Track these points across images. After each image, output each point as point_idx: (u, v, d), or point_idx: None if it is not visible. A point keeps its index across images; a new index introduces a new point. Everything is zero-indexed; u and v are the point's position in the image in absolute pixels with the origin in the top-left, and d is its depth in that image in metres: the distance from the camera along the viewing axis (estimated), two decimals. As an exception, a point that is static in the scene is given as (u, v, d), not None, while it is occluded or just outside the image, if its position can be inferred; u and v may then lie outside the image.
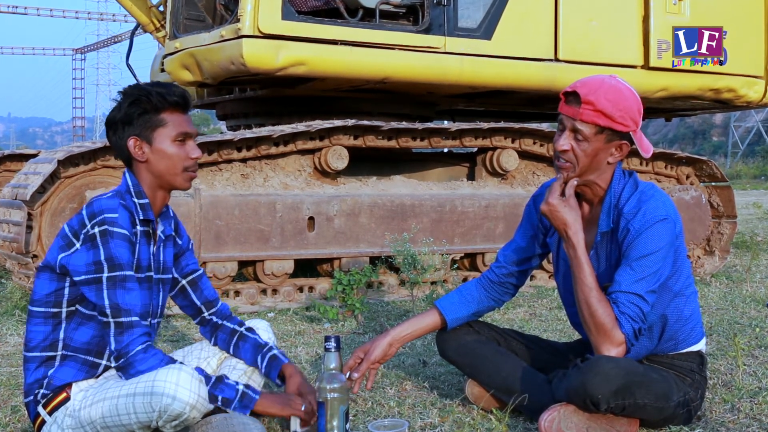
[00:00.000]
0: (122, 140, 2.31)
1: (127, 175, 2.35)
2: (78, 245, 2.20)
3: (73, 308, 2.26)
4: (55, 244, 2.27)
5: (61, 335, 2.26)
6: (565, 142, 2.45)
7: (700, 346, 2.66)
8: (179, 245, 2.52)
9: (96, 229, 2.18)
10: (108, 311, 2.17)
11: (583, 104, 2.40)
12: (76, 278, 2.19)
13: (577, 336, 2.99)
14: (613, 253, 2.51)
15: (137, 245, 2.27)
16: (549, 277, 5.83)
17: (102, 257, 2.17)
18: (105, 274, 2.17)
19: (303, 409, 2.32)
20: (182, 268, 2.54)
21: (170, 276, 2.47)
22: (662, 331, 2.58)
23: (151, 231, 2.35)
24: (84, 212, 2.23)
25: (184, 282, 2.56)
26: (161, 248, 2.41)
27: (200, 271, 2.60)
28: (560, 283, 2.74)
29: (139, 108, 2.29)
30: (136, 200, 2.31)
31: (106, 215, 2.19)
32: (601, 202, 2.54)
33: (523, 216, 2.84)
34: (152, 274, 2.36)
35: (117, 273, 2.18)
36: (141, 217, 2.30)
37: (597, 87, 2.42)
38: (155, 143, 2.31)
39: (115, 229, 2.19)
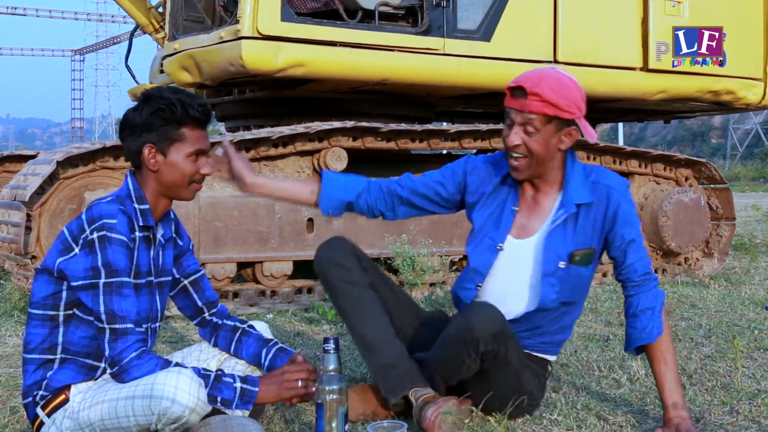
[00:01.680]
0: (137, 145, 2.30)
1: (128, 178, 2.34)
2: (77, 250, 2.20)
3: (70, 312, 2.25)
4: (54, 247, 2.26)
5: (60, 338, 2.25)
6: (516, 137, 2.52)
7: (552, 359, 2.79)
8: (180, 246, 2.52)
9: (95, 235, 2.17)
10: (103, 317, 2.16)
11: (530, 96, 2.47)
12: (73, 283, 2.19)
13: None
14: (591, 221, 2.60)
15: (136, 251, 2.26)
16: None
17: (99, 263, 2.16)
18: (102, 280, 2.16)
19: (300, 384, 2.32)
20: (184, 268, 2.54)
21: (169, 278, 2.47)
22: (557, 313, 2.64)
23: (151, 236, 2.35)
24: (83, 217, 2.22)
25: (185, 282, 2.55)
26: (161, 252, 2.40)
27: (201, 272, 2.60)
28: (472, 260, 2.73)
29: (161, 118, 2.28)
30: (136, 206, 2.29)
31: (104, 221, 2.19)
32: (557, 185, 2.63)
33: (449, 170, 2.79)
34: (152, 278, 2.35)
35: (114, 279, 2.17)
36: (141, 223, 2.29)
37: (540, 79, 2.49)
38: (170, 156, 2.30)
39: (114, 235, 2.18)
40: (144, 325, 2.28)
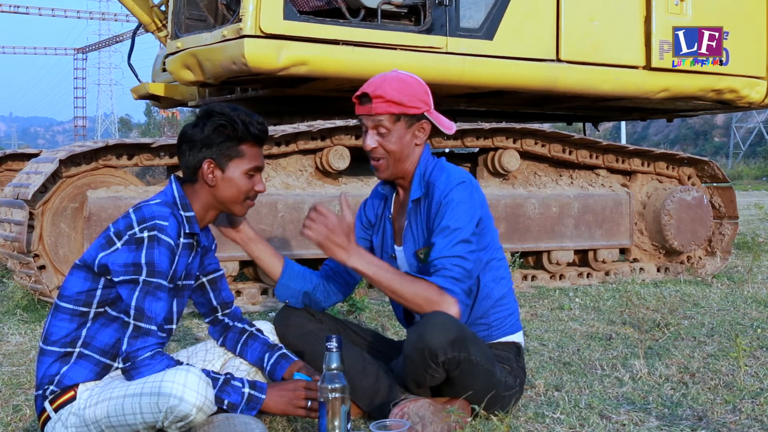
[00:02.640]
0: (196, 160, 2.34)
1: (174, 185, 2.37)
2: (119, 245, 2.23)
3: (101, 309, 2.27)
4: (95, 243, 2.29)
5: (84, 333, 2.27)
6: (371, 141, 2.64)
7: (517, 338, 2.78)
8: (206, 247, 2.54)
9: (145, 233, 2.20)
10: (132, 312, 2.19)
11: (374, 99, 2.59)
12: (116, 278, 2.21)
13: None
14: (423, 219, 2.66)
15: (177, 256, 2.28)
16: (550, 278, 5.83)
17: (143, 261, 2.19)
18: (142, 277, 2.19)
19: (309, 405, 2.34)
20: (204, 266, 2.56)
21: (192, 282, 2.49)
22: (473, 302, 2.66)
23: (194, 243, 2.38)
24: (132, 216, 2.25)
25: (204, 280, 2.57)
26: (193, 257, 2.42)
27: (221, 272, 2.62)
28: None
29: (223, 135, 2.33)
30: (182, 212, 2.33)
31: (157, 221, 2.22)
32: (413, 180, 2.70)
33: (357, 222, 2.91)
34: (180, 282, 2.37)
35: (153, 279, 2.20)
36: (186, 230, 2.32)
37: (381, 82, 2.61)
38: (228, 172, 2.36)
39: (163, 237, 2.21)
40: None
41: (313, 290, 2.84)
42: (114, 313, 2.26)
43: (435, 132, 5.42)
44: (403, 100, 2.58)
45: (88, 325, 2.27)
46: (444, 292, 2.48)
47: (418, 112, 2.62)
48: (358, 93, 2.63)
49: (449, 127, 2.67)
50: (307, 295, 2.83)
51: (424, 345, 2.37)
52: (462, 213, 2.54)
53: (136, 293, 2.19)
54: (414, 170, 2.69)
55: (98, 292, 2.25)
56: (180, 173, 2.44)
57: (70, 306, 2.26)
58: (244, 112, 2.37)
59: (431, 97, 2.67)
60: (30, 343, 3.90)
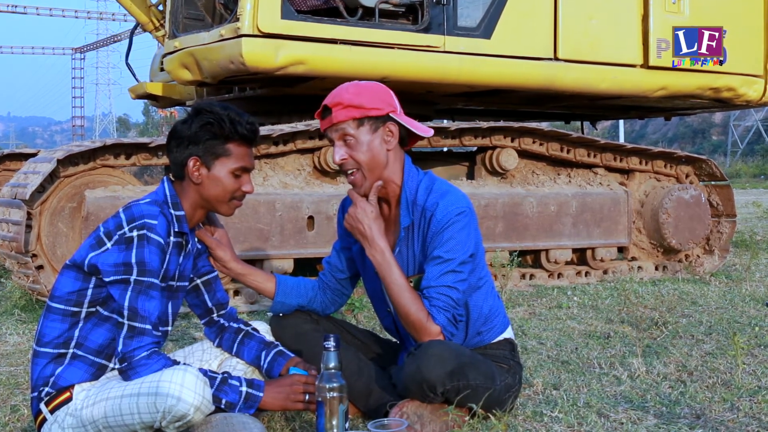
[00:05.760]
0: (183, 156, 2.34)
1: (165, 184, 2.37)
2: (109, 245, 2.22)
3: (93, 309, 2.26)
4: (85, 243, 2.29)
5: (76, 333, 2.27)
6: (339, 152, 2.52)
7: (507, 334, 2.77)
8: (198, 249, 2.53)
9: (134, 233, 2.20)
10: (125, 312, 2.18)
11: (333, 108, 2.50)
12: (106, 278, 2.20)
13: None
14: (416, 246, 2.60)
15: (168, 255, 2.28)
16: (548, 276, 5.83)
17: (133, 260, 2.19)
18: (133, 277, 2.19)
19: (307, 399, 2.34)
20: (198, 268, 2.56)
21: (186, 284, 2.48)
22: (467, 324, 2.66)
23: (183, 243, 2.37)
24: (122, 215, 2.24)
25: (198, 281, 2.57)
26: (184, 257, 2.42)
27: (215, 273, 2.61)
28: (368, 290, 2.81)
29: (209, 132, 2.32)
30: (172, 211, 2.33)
31: (146, 220, 2.21)
32: (399, 200, 2.61)
33: (339, 227, 2.88)
34: (173, 283, 2.37)
35: (145, 279, 2.19)
36: (176, 229, 2.32)
37: (339, 90, 2.54)
38: (213, 170, 2.34)
39: (153, 236, 2.21)
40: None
41: (308, 304, 2.83)
42: (106, 313, 2.25)
43: (436, 131, 5.42)
44: (362, 103, 2.48)
45: (80, 325, 2.26)
46: (431, 320, 2.48)
47: (381, 113, 2.51)
48: (319, 110, 2.55)
49: (424, 129, 2.58)
50: (303, 309, 2.84)
51: (422, 378, 2.37)
52: (456, 244, 2.50)
53: (129, 293, 2.18)
54: (399, 186, 2.59)
55: (89, 292, 2.25)
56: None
57: (62, 306, 2.26)
58: (234, 111, 2.35)
59: (397, 100, 2.58)
60: (28, 344, 3.90)
